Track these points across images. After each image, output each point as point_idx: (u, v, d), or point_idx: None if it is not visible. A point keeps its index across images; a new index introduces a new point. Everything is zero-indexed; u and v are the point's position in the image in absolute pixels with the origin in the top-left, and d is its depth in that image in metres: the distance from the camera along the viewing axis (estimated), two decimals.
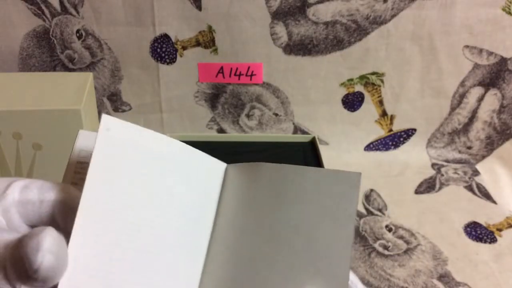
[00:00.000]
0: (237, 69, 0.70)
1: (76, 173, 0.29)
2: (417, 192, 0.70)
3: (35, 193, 0.25)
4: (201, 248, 0.28)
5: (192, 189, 0.29)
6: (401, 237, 0.61)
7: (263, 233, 0.28)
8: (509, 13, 0.66)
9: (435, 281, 0.55)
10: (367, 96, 0.73)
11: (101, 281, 0.24)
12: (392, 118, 0.75)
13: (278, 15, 0.66)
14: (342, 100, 0.74)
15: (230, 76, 0.71)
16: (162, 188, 0.27)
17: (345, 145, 0.77)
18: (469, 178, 0.73)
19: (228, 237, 0.29)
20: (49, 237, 0.21)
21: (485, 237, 0.62)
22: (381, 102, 0.74)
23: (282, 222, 0.28)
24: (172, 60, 0.69)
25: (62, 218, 0.25)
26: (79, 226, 0.24)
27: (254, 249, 0.28)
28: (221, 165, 0.32)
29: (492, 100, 0.73)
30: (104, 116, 0.25)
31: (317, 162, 0.59)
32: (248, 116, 0.74)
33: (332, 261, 0.26)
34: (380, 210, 0.66)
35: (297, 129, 0.76)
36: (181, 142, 0.29)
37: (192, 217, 0.28)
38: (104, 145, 0.25)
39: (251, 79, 0.71)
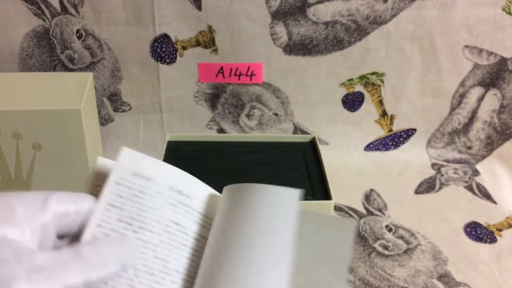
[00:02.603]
0: (237, 69, 0.70)
1: (95, 185, 0.29)
2: (417, 192, 0.70)
3: (71, 205, 0.26)
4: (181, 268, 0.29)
5: (198, 222, 0.30)
6: (401, 237, 0.61)
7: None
8: (509, 13, 0.66)
9: (435, 281, 0.55)
10: (367, 96, 0.73)
11: None
12: (392, 118, 0.75)
13: (278, 15, 0.66)
14: (342, 100, 0.74)
15: (230, 76, 0.71)
16: (167, 218, 0.29)
17: (345, 145, 0.77)
18: (469, 178, 0.73)
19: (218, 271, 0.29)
20: None
21: (485, 237, 0.62)
22: (381, 102, 0.74)
23: None
24: (172, 60, 0.69)
25: None
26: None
27: None
28: (216, 196, 0.33)
29: (492, 100, 0.73)
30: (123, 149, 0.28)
31: (317, 162, 0.59)
32: (248, 116, 0.74)
33: None
34: (380, 210, 0.66)
35: (297, 129, 0.76)
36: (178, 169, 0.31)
37: (192, 247, 0.30)
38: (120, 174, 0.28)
39: (251, 79, 0.71)
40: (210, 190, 0.32)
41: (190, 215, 0.30)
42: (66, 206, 0.25)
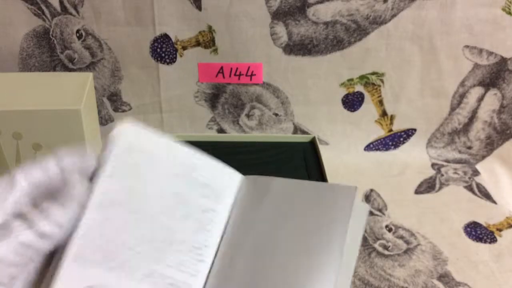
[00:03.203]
0: (237, 69, 0.70)
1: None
2: (417, 192, 0.70)
3: (40, 173, 0.26)
4: (207, 247, 0.29)
5: (203, 194, 0.31)
6: (401, 237, 0.61)
7: (265, 246, 0.30)
8: (509, 13, 0.66)
9: (435, 281, 0.55)
10: (367, 96, 0.73)
11: (103, 255, 0.27)
12: (392, 118, 0.75)
13: (278, 15, 0.66)
14: (342, 100, 0.74)
15: (230, 76, 0.71)
16: (167, 189, 0.29)
17: (345, 145, 0.77)
18: (469, 178, 0.73)
19: (237, 245, 0.30)
20: None
21: (485, 237, 0.62)
22: (381, 102, 0.74)
23: (283, 234, 0.30)
24: (172, 60, 0.69)
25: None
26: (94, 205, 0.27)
27: (253, 259, 0.29)
28: (237, 176, 0.34)
29: (492, 100, 0.73)
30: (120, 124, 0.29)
31: (317, 162, 0.59)
32: (248, 116, 0.74)
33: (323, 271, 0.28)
34: (380, 210, 0.66)
35: (297, 129, 0.76)
36: (202, 153, 0.31)
37: (198, 218, 0.30)
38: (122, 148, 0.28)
39: (251, 79, 0.71)
40: (215, 162, 0.32)
41: (191, 186, 0.30)
42: (35, 176, 0.26)
